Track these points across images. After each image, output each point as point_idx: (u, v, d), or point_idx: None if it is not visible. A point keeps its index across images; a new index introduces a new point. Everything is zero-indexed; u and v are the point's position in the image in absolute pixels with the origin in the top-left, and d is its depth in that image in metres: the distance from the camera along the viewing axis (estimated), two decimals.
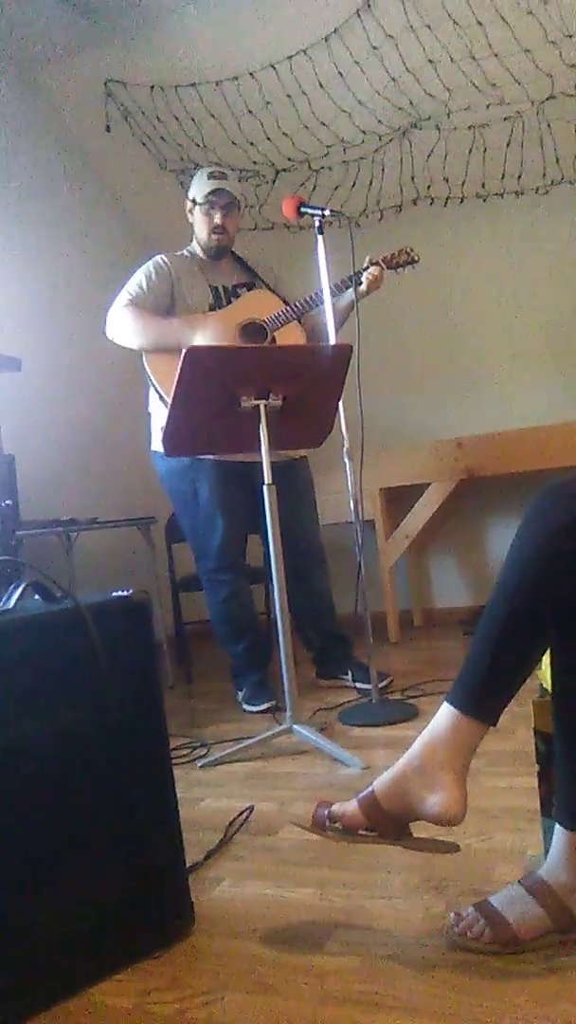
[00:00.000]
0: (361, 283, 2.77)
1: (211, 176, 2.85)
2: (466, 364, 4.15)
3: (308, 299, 2.79)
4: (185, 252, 2.97)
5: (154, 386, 2.75)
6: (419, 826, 1.18)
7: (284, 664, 2.23)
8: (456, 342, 4.17)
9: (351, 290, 2.77)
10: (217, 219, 2.85)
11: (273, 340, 2.83)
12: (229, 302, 2.87)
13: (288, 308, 2.84)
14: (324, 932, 1.26)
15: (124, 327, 2.75)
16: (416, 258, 2.93)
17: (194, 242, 2.96)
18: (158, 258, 2.88)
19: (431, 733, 1.15)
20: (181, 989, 1.15)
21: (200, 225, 2.89)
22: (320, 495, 3.06)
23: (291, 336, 2.86)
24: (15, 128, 3.79)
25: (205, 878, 1.49)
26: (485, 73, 3.43)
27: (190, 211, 2.91)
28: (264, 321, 2.82)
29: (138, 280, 2.83)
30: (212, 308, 2.84)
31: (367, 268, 2.78)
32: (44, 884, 1.15)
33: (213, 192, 2.82)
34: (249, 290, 2.93)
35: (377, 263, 2.81)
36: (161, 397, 2.69)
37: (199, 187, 2.86)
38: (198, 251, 2.95)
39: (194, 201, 2.88)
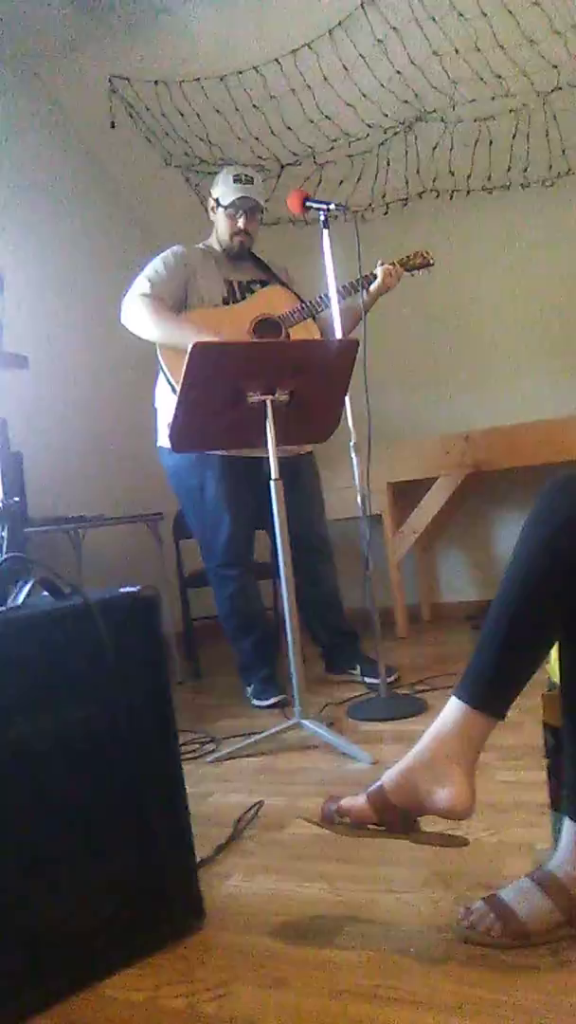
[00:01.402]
0: (376, 276, 2.78)
1: (236, 179, 2.83)
2: (473, 357, 4.14)
3: (323, 297, 2.79)
4: (202, 246, 2.97)
5: (166, 376, 2.74)
6: (428, 820, 1.19)
7: (292, 659, 2.23)
8: (463, 335, 4.15)
9: (365, 291, 2.78)
10: (241, 223, 2.85)
11: (288, 336, 2.83)
12: (243, 297, 2.87)
13: (303, 305, 2.84)
14: (333, 926, 1.27)
15: (140, 317, 2.74)
16: (432, 261, 2.94)
17: (212, 238, 2.96)
18: (175, 248, 2.88)
19: (439, 727, 1.15)
20: (192, 983, 1.16)
21: (223, 227, 2.89)
22: (327, 490, 3.06)
23: (306, 333, 2.86)
24: (19, 125, 3.79)
25: (215, 873, 1.50)
26: (490, 65, 3.41)
27: (212, 209, 2.91)
28: (279, 317, 2.82)
29: (156, 266, 2.83)
30: (225, 302, 2.85)
31: (380, 266, 2.80)
32: (54, 879, 1.16)
33: (240, 199, 2.81)
34: (263, 286, 2.93)
35: (393, 263, 2.82)
36: (173, 388, 2.68)
37: (224, 191, 2.84)
38: (216, 247, 2.95)
39: (218, 202, 2.87)
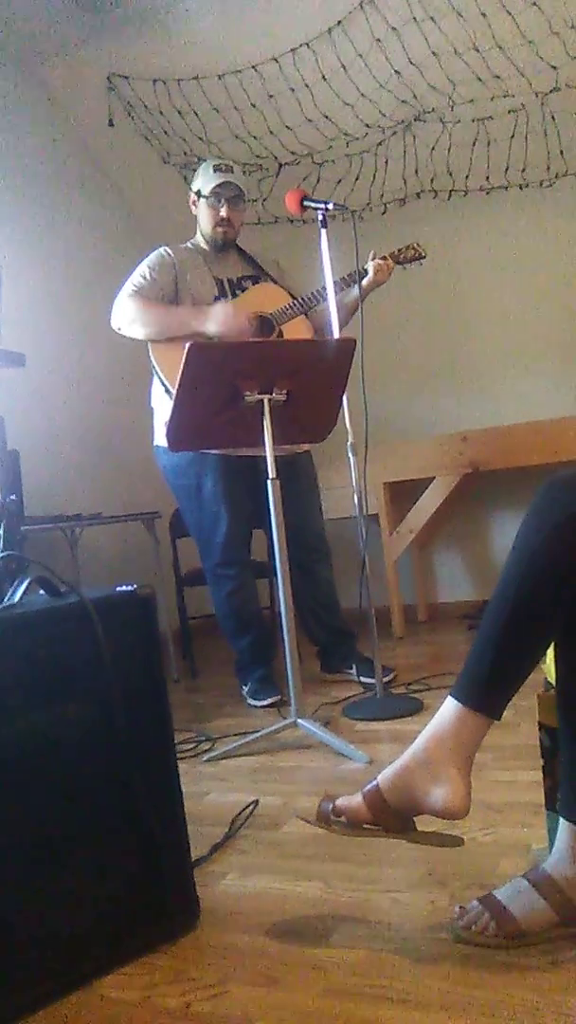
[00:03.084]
0: (367, 272, 2.77)
1: (216, 169, 2.82)
2: (470, 357, 4.14)
3: (315, 293, 2.79)
4: (189, 244, 2.96)
5: (159, 377, 2.74)
6: (424, 820, 1.19)
7: (289, 658, 2.23)
8: (460, 335, 4.16)
9: (358, 286, 2.77)
10: (223, 212, 2.84)
11: (280, 333, 2.82)
12: (234, 295, 2.86)
13: (296, 302, 2.83)
14: (329, 926, 1.27)
15: (131, 317, 2.74)
16: (424, 254, 2.93)
17: (198, 235, 2.95)
18: (162, 249, 2.87)
19: (435, 727, 1.15)
20: (187, 982, 1.16)
21: (205, 218, 2.88)
22: (324, 489, 3.06)
23: (298, 330, 2.85)
24: (17, 123, 3.78)
25: (210, 872, 1.50)
26: (489, 65, 3.42)
27: (194, 203, 2.90)
28: (271, 314, 2.81)
29: (142, 271, 2.82)
30: (217, 300, 2.83)
31: (372, 260, 2.79)
32: (50, 878, 1.16)
33: (220, 185, 2.80)
34: (255, 283, 2.92)
35: (384, 258, 2.81)
36: (167, 389, 2.68)
37: (204, 180, 2.84)
38: (202, 243, 2.94)
39: (199, 194, 2.86)
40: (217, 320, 2.69)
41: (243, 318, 2.73)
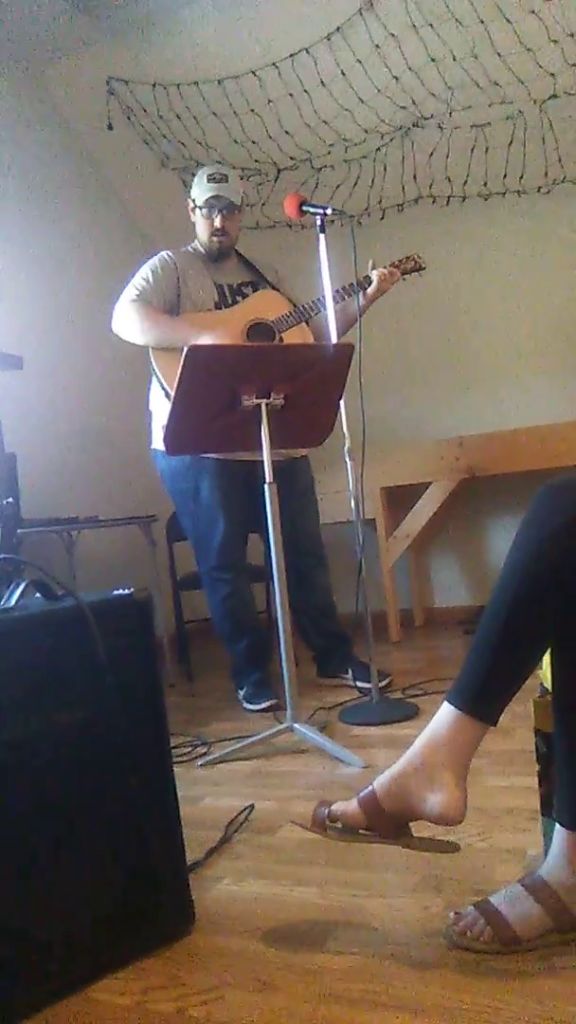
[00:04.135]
0: (371, 281, 2.78)
1: (210, 179, 2.82)
2: (467, 363, 4.15)
3: (315, 302, 2.79)
4: (190, 248, 2.96)
5: (159, 380, 2.74)
6: (419, 825, 1.18)
7: (285, 663, 2.23)
8: (457, 341, 4.17)
9: (361, 295, 2.78)
10: (217, 223, 2.84)
11: (280, 341, 2.82)
12: (235, 300, 2.87)
13: (296, 310, 2.84)
14: (324, 931, 1.26)
15: (131, 323, 2.74)
16: (423, 265, 2.93)
17: (197, 240, 2.96)
18: (164, 253, 2.88)
19: (431, 733, 1.15)
20: (181, 987, 1.15)
21: (201, 227, 2.89)
22: (321, 494, 3.06)
23: (298, 338, 2.85)
24: (17, 126, 3.79)
25: (205, 877, 1.50)
26: (487, 72, 3.43)
27: (192, 211, 2.91)
28: (272, 322, 2.82)
29: (144, 275, 2.83)
30: (217, 306, 2.84)
31: (373, 270, 2.80)
32: (44, 882, 1.16)
33: (213, 197, 2.81)
34: (255, 290, 2.92)
35: (391, 266, 2.83)
36: (166, 393, 2.68)
37: (199, 190, 2.84)
38: (201, 249, 2.95)
39: (194, 202, 2.87)
40: (213, 337, 2.68)
41: (239, 336, 2.73)
